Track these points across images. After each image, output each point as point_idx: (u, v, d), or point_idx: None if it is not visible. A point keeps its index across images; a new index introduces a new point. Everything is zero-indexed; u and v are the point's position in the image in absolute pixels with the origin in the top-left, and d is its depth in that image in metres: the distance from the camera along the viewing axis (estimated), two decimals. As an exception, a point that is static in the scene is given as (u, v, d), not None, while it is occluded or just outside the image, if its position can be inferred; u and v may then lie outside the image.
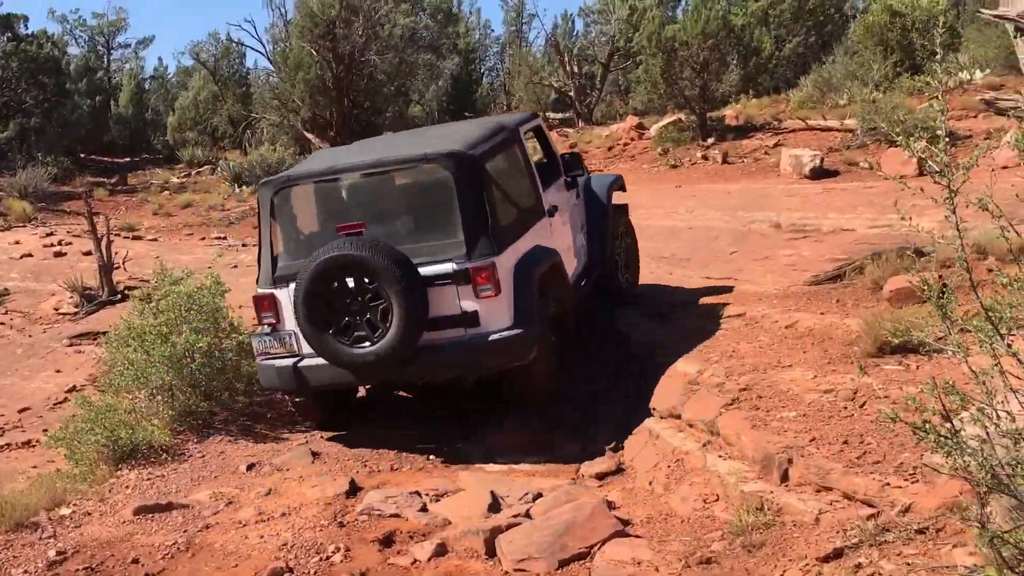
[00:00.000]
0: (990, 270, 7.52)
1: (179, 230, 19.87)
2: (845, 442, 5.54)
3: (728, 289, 10.36)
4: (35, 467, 8.97)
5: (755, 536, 5.12)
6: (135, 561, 6.13)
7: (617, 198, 10.63)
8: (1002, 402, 3.61)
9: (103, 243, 15.02)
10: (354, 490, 7.05)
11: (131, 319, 9.22)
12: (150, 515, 6.81)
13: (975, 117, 20.38)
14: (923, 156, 3.62)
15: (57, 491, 7.30)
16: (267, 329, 7.99)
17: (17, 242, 19.18)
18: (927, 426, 3.59)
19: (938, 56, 3.92)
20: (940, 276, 7.67)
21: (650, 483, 6.52)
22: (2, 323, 14.63)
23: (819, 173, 18.30)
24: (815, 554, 4.67)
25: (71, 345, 13.17)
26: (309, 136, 32.11)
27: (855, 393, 6.18)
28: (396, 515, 6.42)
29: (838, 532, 4.79)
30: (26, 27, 36.64)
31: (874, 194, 14.53)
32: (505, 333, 7.53)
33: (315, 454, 7.82)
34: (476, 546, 5.78)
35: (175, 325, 8.56)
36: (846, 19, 46.92)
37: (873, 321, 7.00)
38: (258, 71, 49.07)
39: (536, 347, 7.72)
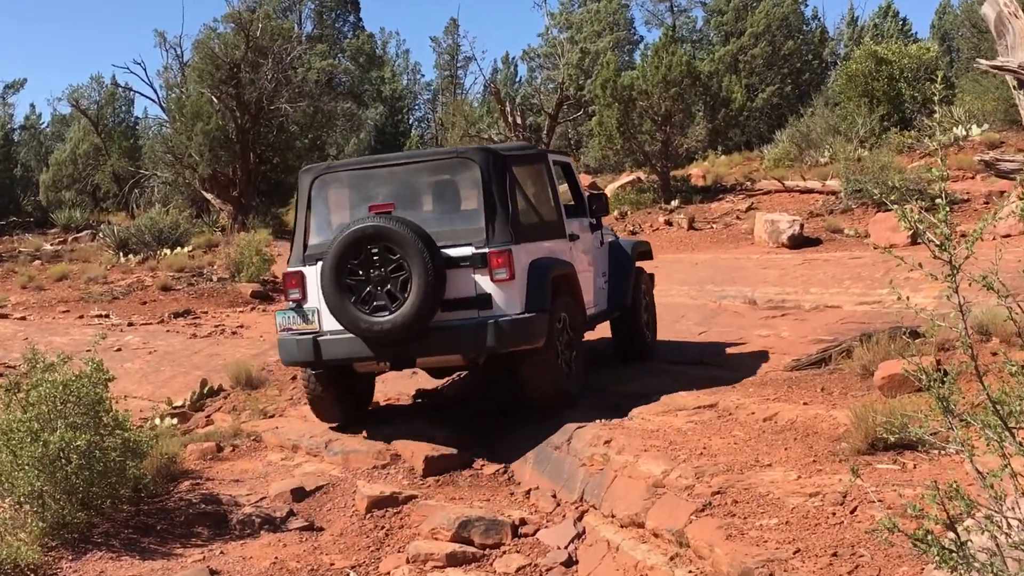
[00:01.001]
0: (995, 354, 7.66)
1: (53, 306, 19.59)
2: (834, 554, 5.56)
3: (697, 374, 10.43)
4: None
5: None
6: None
7: None
8: (1012, 508, 3.66)
9: (-39, 322, 14.82)
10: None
11: (-6, 413, 9.05)
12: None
13: (973, 178, 20.86)
14: (920, 226, 3.70)
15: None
16: (292, 305, 9.74)
17: None
18: (928, 536, 3.62)
19: (936, 116, 4.01)
20: (939, 361, 7.83)
21: (609, 605, 6.48)
22: None
23: (799, 241, 18.58)
24: None
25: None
26: (208, 196, 32.02)
27: (845, 497, 6.22)
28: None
29: (828, 661, 4.79)
30: None
31: (862, 265, 14.76)
32: (517, 316, 9.15)
33: (214, 573, 7.69)
34: None
35: (48, 420, 8.39)
36: (826, 67, 48.13)
37: (864, 413, 7.07)
38: (149, 121, 49.16)
39: (545, 334, 9.29)
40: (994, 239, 14.79)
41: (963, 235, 4.20)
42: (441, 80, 64.73)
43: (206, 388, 12.55)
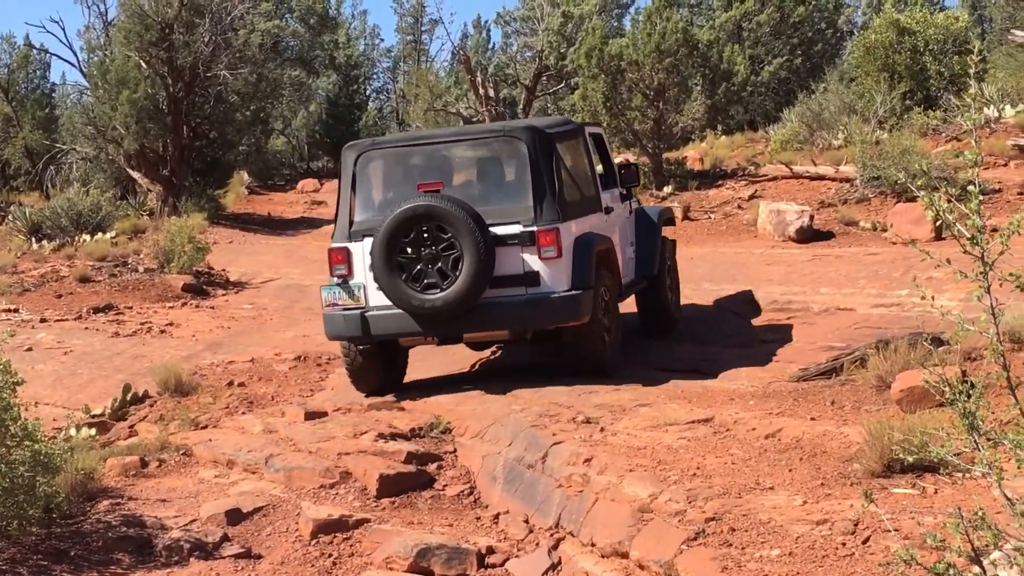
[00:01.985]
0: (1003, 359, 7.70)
1: (-47, 299, 19.49)
2: (844, 590, 5.59)
3: (690, 386, 10.46)
4: None
5: None
6: None
7: None
8: (1045, 539, 3.68)
9: None
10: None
11: None
12: None
13: (1006, 165, 21.01)
14: (950, 217, 3.71)
15: None
16: (337, 281, 11.05)
17: None
18: (950, 570, 3.64)
19: (972, 90, 4.02)
20: (964, 372, 7.88)
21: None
22: None
23: (808, 234, 18.64)
24: None
25: None
26: (134, 175, 31.81)
27: (856, 525, 6.25)
28: None
29: None
30: None
31: (879, 263, 14.85)
32: (564, 293, 10.65)
33: (135, 606, 7.67)
34: None
35: (-55, 429, 8.36)
36: (841, 36, 48.33)
37: (879, 430, 7.10)
38: (67, 88, 48.89)
39: (591, 311, 10.78)
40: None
41: (995, 230, 4.21)
42: (403, 46, 64.71)
43: (129, 394, 12.48)
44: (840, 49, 46.29)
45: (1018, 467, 3.69)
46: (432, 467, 9.48)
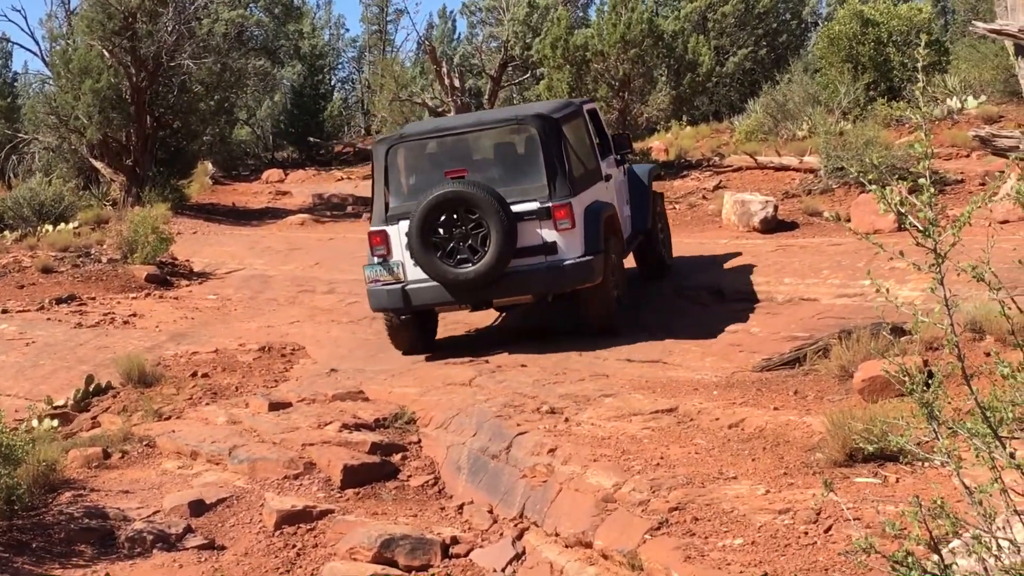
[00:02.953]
0: (988, 354, 7.76)
1: (-88, 290, 19.34)
2: (806, 579, 5.63)
3: (655, 375, 10.49)
4: None
5: None
6: None
7: None
8: (1003, 527, 3.70)
9: None
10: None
11: None
12: None
13: (968, 156, 21.08)
14: (902, 211, 3.73)
15: None
16: (377, 260, 12.57)
17: None
18: (909, 559, 3.66)
19: (920, 84, 4.03)
20: (926, 362, 7.93)
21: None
22: None
23: (772, 225, 18.69)
24: None
25: None
26: (97, 165, 31.63)
27: (818, 514, 6.29)
28: None
29: None
30: None
31: (843, 253, 14.90)
32: (579, 259, 12.22)
33: (97, 599, 7.65)
34: None
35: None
36: (806, 28, 48.47)
37: (841, 420, 7.15)
38: (29, 77, 48.47)
39: (603, 273, 12.38)
40: (989, 225, 14.96)
41: (954, 220, 4.24)
42: (368, 36, 64.50)
43: (92, 385, 12.42)
44: (804, 40, 46.43)
45: (976, 456, 3.71)
46: (396, 458, 9.50)
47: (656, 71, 29.00)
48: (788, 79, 32.22)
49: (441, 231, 12.16)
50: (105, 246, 21.49)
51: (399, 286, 12.42)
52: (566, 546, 7.32)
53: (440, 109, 38.44)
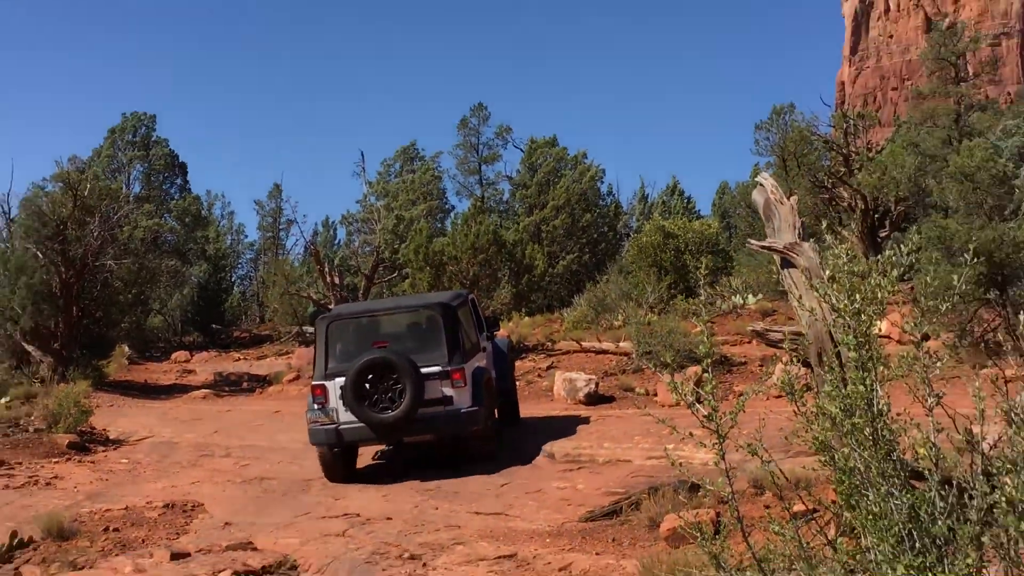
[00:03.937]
0: (767, 507, 7.85)
1: None
2: None
3: (498, 526, 10.39)
4: None
5: None
6: None
7: None
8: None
9: None
10: None
11: None
12: None
13: (750, 343, 21.55)
14: (689, 399, 3.82)
15: None
16: (317, 407, 14.00)
17: None
18: None
19: (701, 299, 4.16)
20: (718, 514, 7.99)
21: None
22: None
23: (594, 398, 18.89)
24: None
25: None
26: (29, 348, 30.77)
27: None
28: None
29: None
30: None
31: (651, 422, 14.87)
32: (468, 409, 13.85)
33: None
34: None
35: None
36: (620, 238, 49.69)
37: (650, 564, 7.16)
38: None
39: (484, 419, 14.16)
40: (767, 399, 15.31)
41: (740, 394, 4.35)
42: (264, 240, 64.33)
43: (15, 540, 11.84)
44: (619, 248, 47.52)
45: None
46: (280, 600, 9.21)
47: (500, 272, 29.47)
48: (606, 279, 32.89)
49: (368, 386, 13.59)
50: (33, 418, 20.77)
51: (334, 426, 13.78)
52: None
53: (323, 302, 38.40)
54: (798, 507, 7.46)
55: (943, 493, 3.25)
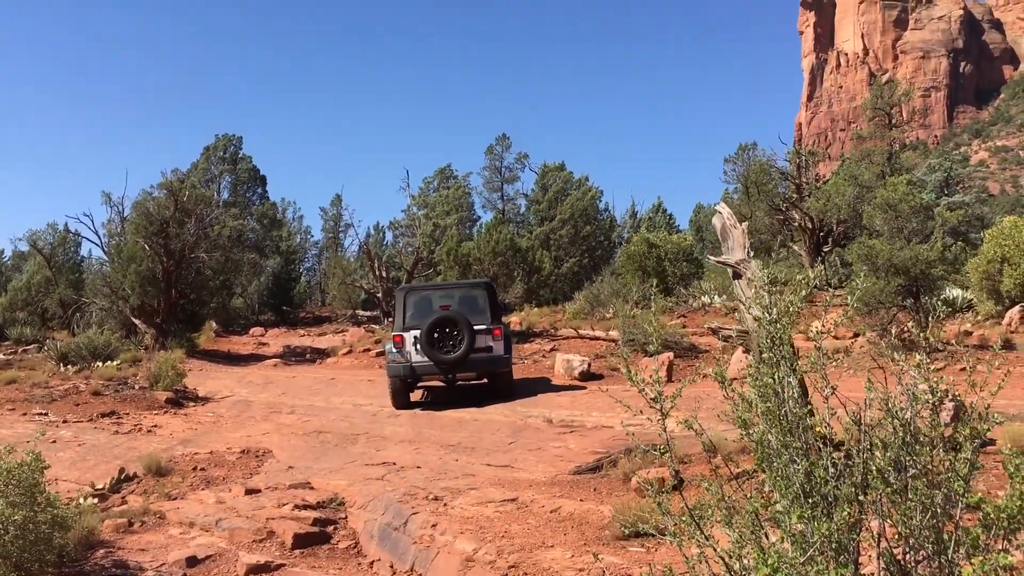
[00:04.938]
0: (715, 468, 8.02)
1: (1, 405, 18.71)
2: (594, 615, 5.73)
3: (505, 476, 10.57)
4: None
5: None
6: None
7: None
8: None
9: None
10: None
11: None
12: None
13: (714, 334, 21.65)
14: (641, 387, 4.00)
15: None
16: (396, 350, 16.10)
17: None
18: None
19: (651, 321, 4.35)
20: (677, 471, 8.17)
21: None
22: None
23: (587, 376, 19.03)
24: None
25: None
26: (136, 321, 31.12)
27: (604, 571, 6.43)
28: None
29: None
30: None
31: (630, 396, 15.15)
32: (503, 355, 16.34)
33: (119, 624, 7.45)
34: None
35: (-8, 498, 8.08)
36: (613, 246, 49.77)
37: (623, 508, 7.34)
38: (92, 260, 47.61)
39: (510, 364, 16.82)
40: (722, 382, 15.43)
41: (705, 375, 4.57)
42: (326, 240, 64.59)
43: (123, 475, 12.13)
44: (612, 254, 47.59)
45: (689, 538, 3.92)
46: (331, 528, 9.39)
47: (515, 271, 29.55)
48: (601, 279, 32.99)
49: (436, 335, 15.75)
50: (138, 377, 21.05)
51: (409, 364, 15.99)
52: (441, 591, 7.33)
53: (372, 290, 38.61)
54: (746, 466, 7.66)
55: (834, 461, 3.45)
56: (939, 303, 18.87)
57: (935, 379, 3.31)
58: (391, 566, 8.38)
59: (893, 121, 38.62)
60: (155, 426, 16.24)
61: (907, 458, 3.15)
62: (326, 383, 21.90)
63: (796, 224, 32.33)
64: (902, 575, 3.28)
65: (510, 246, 29.06)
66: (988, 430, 3.21)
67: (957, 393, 3.49)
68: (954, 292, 21.80)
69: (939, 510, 3.10)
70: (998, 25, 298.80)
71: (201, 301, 34.25)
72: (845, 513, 3.11)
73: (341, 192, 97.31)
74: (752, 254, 8.39)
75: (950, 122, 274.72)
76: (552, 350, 23.11)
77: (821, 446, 3.52)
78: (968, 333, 18.19)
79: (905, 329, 16.88)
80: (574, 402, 15.73)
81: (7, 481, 8.26)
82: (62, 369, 23.68)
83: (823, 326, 4.44)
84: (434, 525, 8.46)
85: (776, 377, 3.62)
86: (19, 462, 8.48)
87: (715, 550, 3.69)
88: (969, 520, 3.27)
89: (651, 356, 17.41)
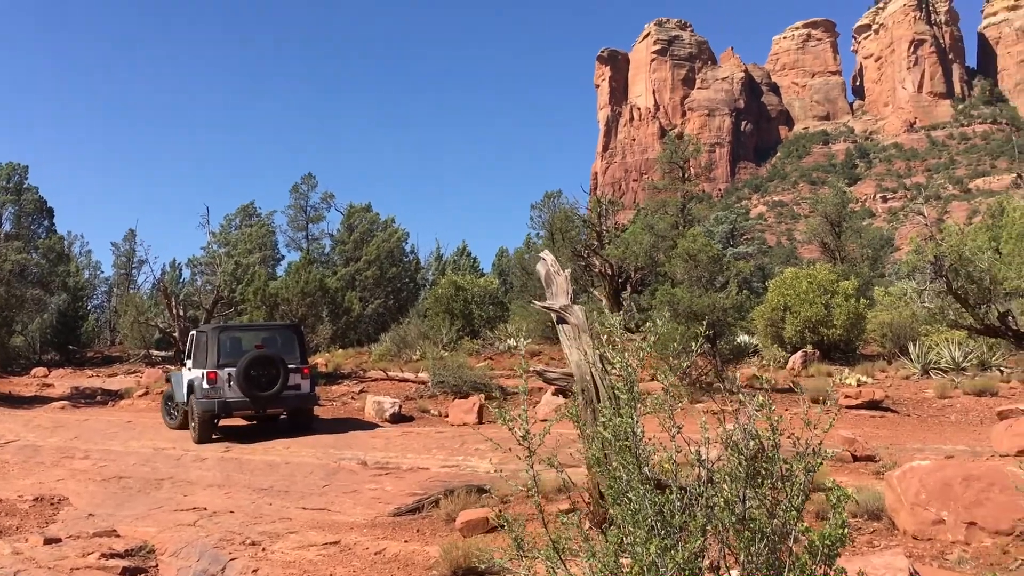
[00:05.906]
0: (538, 506, 8.26)
1: None
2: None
3: (324, 519, 10.45)
4: None
5: None
6: None
7: None
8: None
9: None
10: None
11: None
12: None
13: (519, 376, 22.12)
14: (510, 424, 4.15)
15: None
16: (208, 386, 16.69)
17: None
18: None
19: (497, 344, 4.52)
20: (500, 511, 8.36)
21: None
22: None
23: (398, 418, 19.04)
24: None
25: None
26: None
27: (436, 611, 6.50)
28: None
29: None
30: None
31: (444, 438, 15.34)
32: (310, 392, 17.64)
33: None
34: None
35: None
36: (419, 288, 50.04)
37: (449, 548, 7.44)
38: None
39: (315, 401, 18.07)
40: (534, 423, 15.84)
41: (516, 417, 4.74)
42: (118, 276, 61.72)
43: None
44: (418, 295, 47.83)
45: (547, 572, 4.08)
46: (141, 578, 9.02)
47: (322, 312, 29.24)
48: (407, 321, 33.15)
49: (254, 372, 16.78)
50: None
51: (222, 399, 16.71)
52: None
53: (167, 329, 37.21)
54: (563, 506, 7.93)
55: (680, 496, 3.70)
56: (727, 348, 20.07)
57: (775, 417, 3.64)
58: (209, 614, 8.13)
59: (686, 175, 40.87)
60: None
61: (747, 491, 3.44)
62: (122, 426, 20.86)
63: (597, 270, 33.58)
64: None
65: (318, 287, 28.76)
66: (820, 464, 3.55)
67: (793, 432, 3.83)
68: (743, 338, 23.24)
69: (776, 537, 3.40)
70: (775, 88, 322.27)
71: (-23, 340, 32.04)
72: (696, 543, 3.35)
73: (135, 227, 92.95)
74: (574, 299, 8.74)
75: (732, 177, 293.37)
76: (362, 392, 22.97)
77: (669, 481, 3.77)
78: (756, 377, 19.45)
79: (702, 372, 17.85)
80: (388, 444, 15.71)
81: None
82: None
83: (636, 368, 4.73)
84: (255, 571, 8.29)
85: (630, 417, 3.85)
86: None
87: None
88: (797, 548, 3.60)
89: (463, 398, 17.67)
